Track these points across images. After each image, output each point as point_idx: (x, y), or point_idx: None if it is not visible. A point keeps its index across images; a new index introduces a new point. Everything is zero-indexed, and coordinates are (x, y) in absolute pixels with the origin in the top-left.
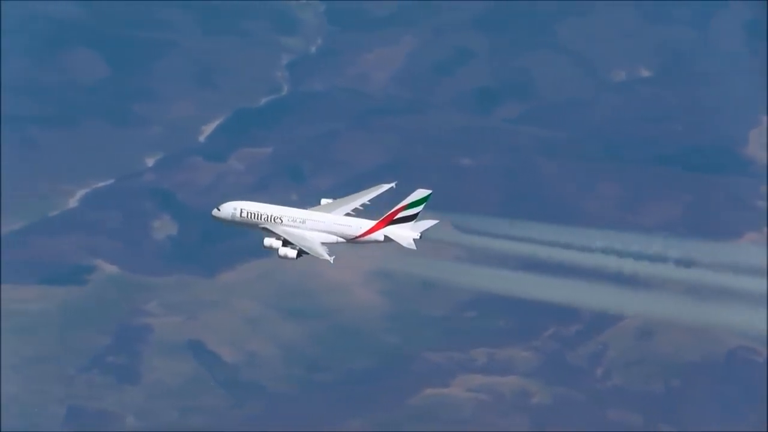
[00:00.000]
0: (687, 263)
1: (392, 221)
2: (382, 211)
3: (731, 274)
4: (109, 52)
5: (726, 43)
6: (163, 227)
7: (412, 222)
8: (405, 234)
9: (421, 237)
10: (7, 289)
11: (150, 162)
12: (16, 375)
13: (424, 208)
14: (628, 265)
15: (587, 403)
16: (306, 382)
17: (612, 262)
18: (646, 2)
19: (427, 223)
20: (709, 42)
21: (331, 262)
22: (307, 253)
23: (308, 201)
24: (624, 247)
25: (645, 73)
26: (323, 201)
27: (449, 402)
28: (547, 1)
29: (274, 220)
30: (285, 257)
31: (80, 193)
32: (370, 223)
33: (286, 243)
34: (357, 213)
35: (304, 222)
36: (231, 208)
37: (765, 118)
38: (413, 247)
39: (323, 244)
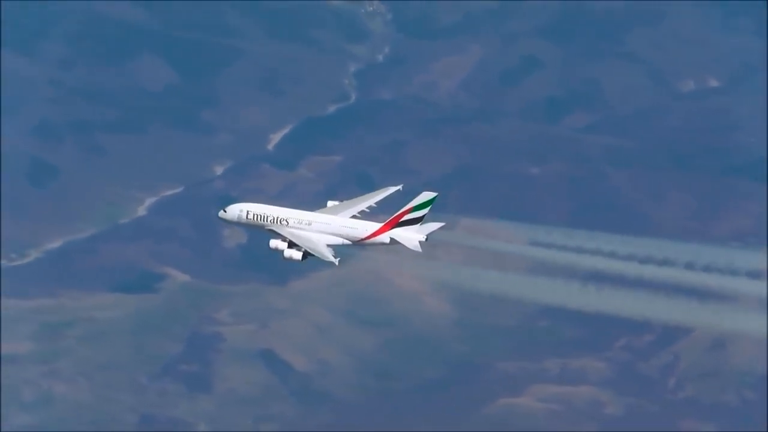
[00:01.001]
0: (758, 275)
1: (398, 224)
2: (388, 214)
3: None
4: (176, 58)
5: None
6: (234, 235)
7: (419, 224)
8: (411, 236)
9: (427, 239)
10: (78, 297)
11: (219, 170)
12: (88, 383)
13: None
14: (698, 277)
15: (660, 414)
16: (377, 391)
17: (681, 274)
18: (715, 11)
19: (433, 226)
20: None
21: (336, 263)
22: (313, 255)
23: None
24: (694, 259)
25: (714, 83)
26: (330, 203)
27: (522, 412)
28: (616, 10)
29: (281, 222)
30: (290, 259)
31: (149, 200)
32: (376, 226)
33: (292, 245)
34: (363, 215)
35: (310, 224)
36: (237, 210)
37: None
38: (419, 249)
39: (329, 246)
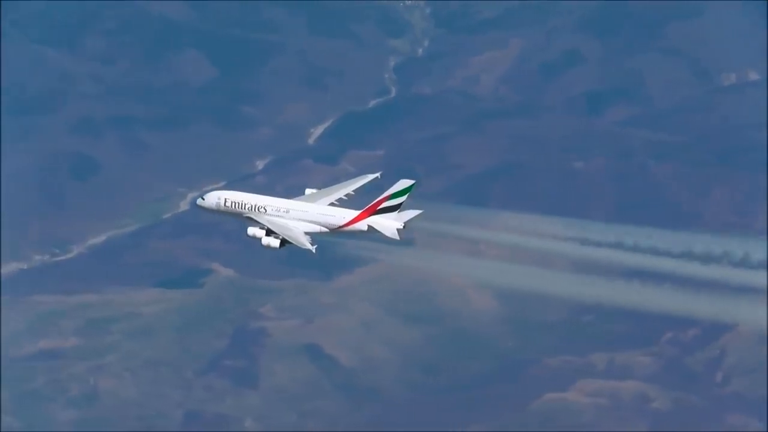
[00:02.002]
0: None
1: (376, 211)
2: (366, 202)
3: None
4: (218, 53)
5: None
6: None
7: (396, 212)
8: (389, 224)
9: (405, 227)
10: (123, 292)
11: (260, 164)
12: (133, 378)
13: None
14: (741, 272)
15: (707, 409)
16: (423, 387)
17: (724, 270)
18: (756, 4)
19: (410, 213)
20: None
21: (314, 251)
22: (291, 243)
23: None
24: (737, 253)
25: (754, 76)
26: (308, 191)
27: (569, 407)
28: (657, 4)
29: (258, 210)
30: (268, 246)
31: (192, 195)
32: (353, 213)
33: (269, 232)
34: (341, 203)
35: (288, 212)
36: (215, 198)
37: None
38: (397, 237)
39: (307, 233)
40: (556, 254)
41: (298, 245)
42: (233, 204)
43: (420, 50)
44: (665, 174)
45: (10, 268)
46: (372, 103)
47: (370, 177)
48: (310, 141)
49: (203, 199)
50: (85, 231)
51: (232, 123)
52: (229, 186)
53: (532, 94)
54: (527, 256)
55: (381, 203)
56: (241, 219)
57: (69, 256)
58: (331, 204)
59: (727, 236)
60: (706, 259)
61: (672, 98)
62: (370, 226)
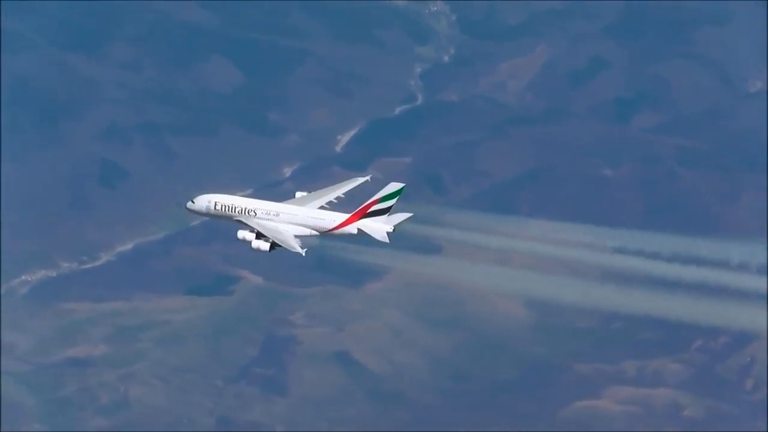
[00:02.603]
0: None
1: (366, 214)
2: (356, 205)
3: None
4: (244, 59)
5: None
6: (306, 238)
7: (386, 215)
8: (379, 227)
9: (394, 230)
10: (152, 299)
11: (288, 171)
12: (164, 386)
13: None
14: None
15: (739, 416)
16: (452, 393)
17: (751, 277)
18: None
19: (400, 216)
20: None
21: (303, 254)
22: (281, 246)
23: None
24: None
25: None
26: (298, 194)
27: (600, 414)
28: (683, 10)
29: (248, 213)
30: (258, 250)
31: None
32: (343, 216)
33: (260, 236)
34: (331, 206)
35: (278, 215)
36: (206, 201)
37: None
38: (387, 240)
39: (296, 236)
40: (584, 262)
41: (288, 248)
42: (223, 207)
43: (446, 57)
44: (693, 180)
45: (38, 275)
46: (398, 109)
47: (360, 180)
48: (338, 148)
49: (193, 202)
50: (113, 238)
51: (259, 129)
52: (258, 193)
53: (559, 100)
54: (555, 264)
55: (371, 206)
56: (232, 222)
57: (97, 263)
58: (321, 207)
59: (756, 243)
60: (735, 266)
61: (699, 104)
62: (360, 230)
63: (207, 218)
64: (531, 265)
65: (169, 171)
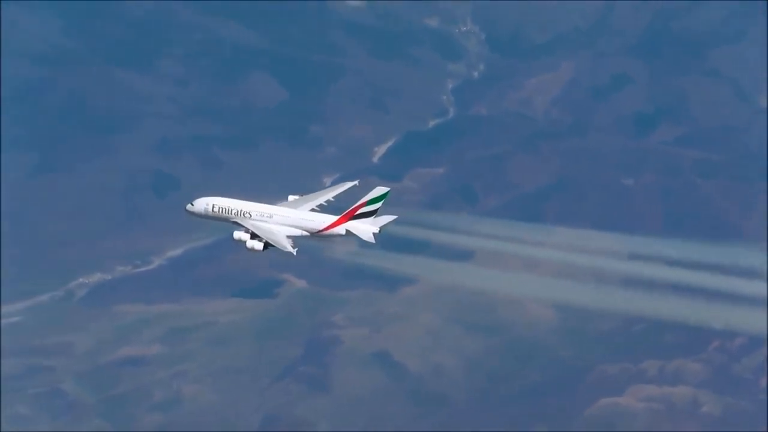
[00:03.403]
0: None
1: (354, 217)
2: (344, 207)
3: None
4: (286, 76)
5: None
6: (345, 243)
7: (372, 218)
8: (365, 228)
9: (380, 231)
10: (201, 302)
11: (327, 181)
12: (214, 384)
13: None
14: None
15: (755, 413)
16: (486, 392)
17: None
18: None
19: (386, 219)
20: None
21: (294, 253)
22: (273, 246)
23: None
24: None
25: None
26: (290, 197)
27: (624, 411)
28: (701, 28)
29: (244, 215)
30: (252, 249)
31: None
32: (332, 218)
33: (254, 236)
34: (321, 209)
35: (271, 216)
36: (204, 204)
37: None
38: (373, 240)
39: (288, 237)
40: (607, 267)
41: (281, 248)
42: (221, 209)
43: (476, 73)
44: (710, 190)
45: (95, 278)
46: (431, 123)
47: (349, 184)
48: (375, 159)
49: (192, 204)
50: (164, 244)
51: (300, 142)
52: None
53: (583, 115)
54: (581, 270)
55: (358, 209)
56: (228, 223)
57: (149, 267)
58: (312, 210)
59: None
60: (749, 272)
61: (715, 118)
62: (347, 231)
63: (206, 219)
64: (557, 270)
65: (217, 181)
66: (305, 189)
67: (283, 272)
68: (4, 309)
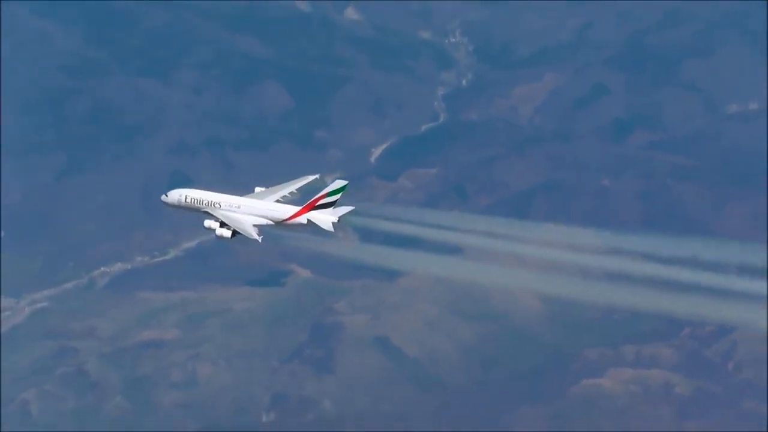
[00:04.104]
0: None
1: (314, 207)
2: (306, 199)
3: None
4: (293, 85)
5: None
6: (347, 237)
7: (332, 208)
8: (325, 218)
9: (339, 221)
10: (216, 290)
11: (330, 181)
12: (228, 365)
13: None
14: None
15: (723, 394)
16: (479, 375)
17: (728, 277)
18: (758, 44)
19: (344, 209)
20: None
21: (260, 241)
22: (240, 234)
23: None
24: (741, 259)
25: (754, 106)
26: (257, 189)
27: (604, 392)
28: (673, 43)
29: (214, 206)
30: (221, 237)
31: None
32: (295, 209)
33: (223, 225)
34: (285, 200)
35: (239, 207)
36: (177, 195)
37: None
38: (332, 229)
39: (255, 226)
40: (589, 261)
41: (247, 236)
42: (193, 200)
43: (465, 82)
44: (683, 191)
45: (116, 268)
46: (424, 127)
47: (311, 178)
48: (373, 160)
49: (167, 195)
50: (181, 237)
51: (306, 145)
52: (305, 198)
53: (565, 121)
54: (564, 263)
55: (318, 200)
56: (200, 213)
57: (167, 257)
58: (277, 201)
59: (735, 245)
60: (717, 266)
61: (687, 126)
62: (309, 220)
63: (179, 209)
64: (542, 264)
65: (229, 181)
66: (310, 187)
67: (291, 263)
68: (34, 296)
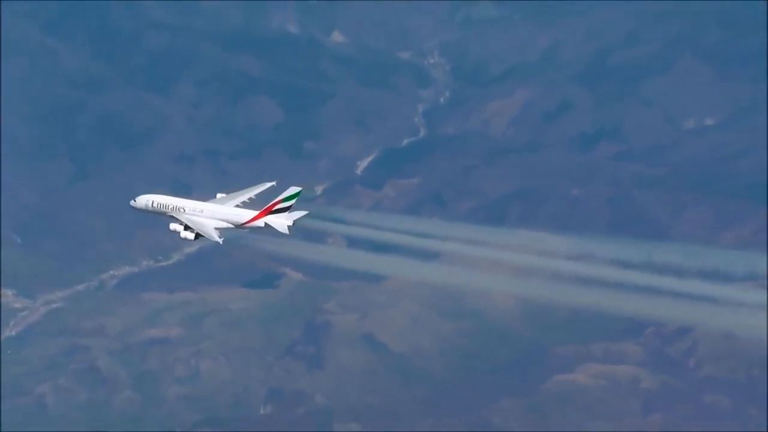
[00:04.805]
0: (756, 277)
1: (271, 212)
2: (263, 204)
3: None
4: (284, 99)
5: None
6: (336, 242)
7: (287, 212)
8: (281, 222)
9: (294, 224)
10: (214, 291)
11: (319, 189)
12: (227, 361)
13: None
14: (706, 285)
15: (686, 388)
16: (458, 369)
17: (690, 283)
18: (712, 63)
19: (298, 214)
20: (764, 95)
21: (221, 242)
22: (203, 236)
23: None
24: (705, 263)
25: (710, 121)
26: (218, 195)
27: (575, 386)
28: (634, 62)
29: (179, 210)
30: (186, 239)
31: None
32: (253, 213)
33: (187, 228)
34: (244, 205)
35: (202, 211)
36: (145, 200)
37: None
38: (287, 232)
39: (216, 228)
40: (559, 264)
41: (209, 238)
42: (159, 205)
43: (442, 99)
44: (644, 199)
45: (123, 271)
46: (405, 141)
47: (268, 185)
48: (358, 171)
49: (135, 201)
50: (182, 242)
51: (296, 155)
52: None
53: (535, 134)
54: (536, 266)
55: (275, 206)
56: (166, 217)
57: (170, 261)
58: (237, 206)
59: (694, 248)
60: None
61: (647, 138)
62: (266, 223)
63: (147, 213)
64: (515, 267)
65: (225, 188)
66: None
67: (284, 266)
68: (48, 296)
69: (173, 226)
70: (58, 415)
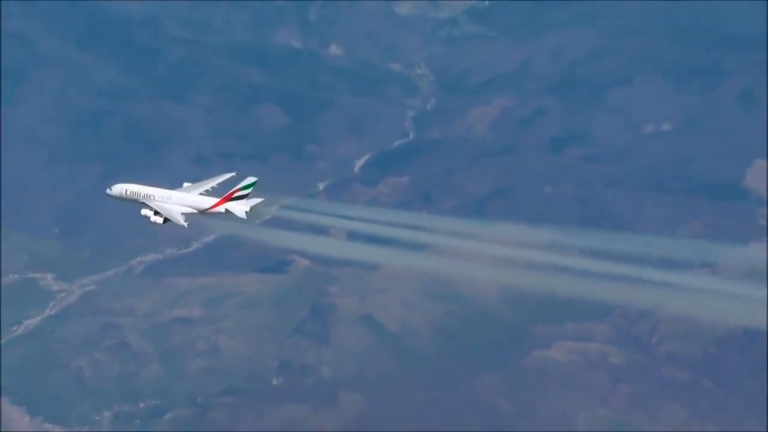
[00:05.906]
0: (706, 265)
1: (231, 199)
2: (224, 192)
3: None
4: (288, 107)
5: (726, 105)
6: (337, 233)
7: (245, 200)
8: (239, 208)
9: (250, 210)
10: (231, 276)
11: (321, 186)
12: (244, 338)
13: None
14: (667, 273)
15: (649, 363)
16: (447, 347)
17: (651, 271)
18: (671, 74)
19: (254, 200)
20: (714, 105)
21: (186, 226)
22: (170, 220)
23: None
24: (666, 253)
25: (667, 126)
26: (185, 184)
27: (551, 361)
28: (600, 74)
29: (149, 198)
30: (155, 223)
31: (274, 207)
32: (215, 200)
33: (157, 213)
34: (207, 193)
35: (170, 198)
36: (119, 189)
37: (757, 161)
38: (245, 217)
39: (183, 214)
40: (534, 254)
41: (176, 222)
42: (132, 193)
43: (429, 106)
44: (610, 196)
45: (149, 257)
46: (397, 143)
47: (228, 175)
48: (355, 170)
49: (111, 189)
50: (201, 233)
51: (300, 157)
52: (301, 201)
53: (512, 138)
54: (514, 256)
55: (234, 194)
56: (138, 204)
57: (190, 249)
58: (201, 193)
59: (655, 239)
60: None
61: (612, 142)
62: (227, 209)
63: (121, 200)
64: (496, 257)
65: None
66: (303, 192)
67: (291, 254)
68: (83, 281)
69: (144, 211)
70: (94, 386)
